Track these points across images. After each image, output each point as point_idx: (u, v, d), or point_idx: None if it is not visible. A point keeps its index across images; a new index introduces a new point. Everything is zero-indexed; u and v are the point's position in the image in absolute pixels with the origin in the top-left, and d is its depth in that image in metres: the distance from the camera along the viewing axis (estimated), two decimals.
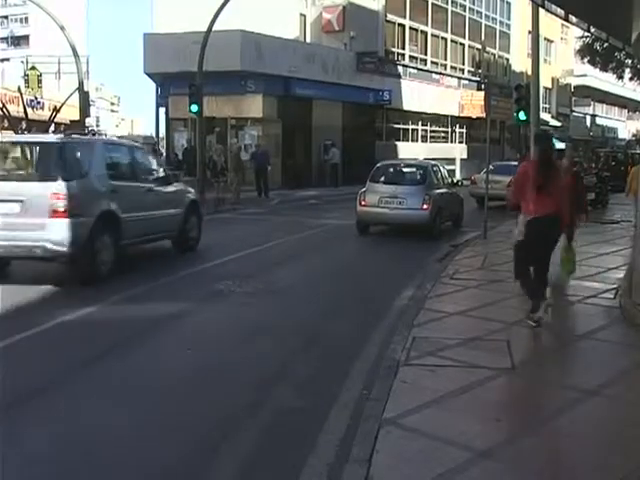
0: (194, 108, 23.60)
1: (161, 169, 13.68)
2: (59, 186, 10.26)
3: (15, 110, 21.90)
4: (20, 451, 5.10)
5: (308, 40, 37.50)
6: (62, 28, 26.30)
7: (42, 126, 20.53)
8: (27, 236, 10.20)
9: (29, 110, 20.44)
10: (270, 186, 27.53)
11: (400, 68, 41.75)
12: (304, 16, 37.90)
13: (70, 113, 31.00)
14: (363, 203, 16.79)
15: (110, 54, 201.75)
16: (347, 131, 36.98)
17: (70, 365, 7.05)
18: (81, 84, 26.95)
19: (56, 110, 18.80)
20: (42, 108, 40.89)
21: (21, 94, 22.68)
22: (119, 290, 10.18)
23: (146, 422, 5.74)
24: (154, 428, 5.63)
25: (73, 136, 12.13)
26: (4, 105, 17.95)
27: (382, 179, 17.41)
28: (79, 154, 11.30)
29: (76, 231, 10.33)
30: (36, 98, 41.97)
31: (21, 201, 10.26)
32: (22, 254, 10.64)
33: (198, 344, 7.94)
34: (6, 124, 23.83)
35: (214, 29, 23.43)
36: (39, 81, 43.76)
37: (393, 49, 41.32)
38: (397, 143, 42.06)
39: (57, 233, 10.24)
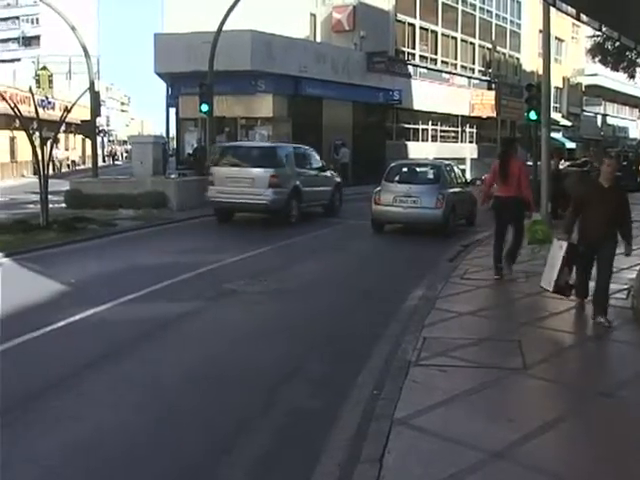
0: (204, 108, 23.65)
1: (321, 162, 21.54)
2: (273, 171, 18.08)
3: (26, 110, 21.94)
4: (31, 450, 5.13)
5: (318, 40, 37.47)
6: (73, 28, 26.39)
7: (53, 126, 20.54)
8: (254, 198, 18.04)
9: (40, 110, 20.44)
10: None
11: (410, 68, 41.68)
12: (314, 16, 37.88)
13: (81, 113, 31.14)
14: (378, 202, 16.97)
15: (120, 54, 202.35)
16: (357, 130, 36.93)
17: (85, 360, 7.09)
18: (92, 84, 27.02)
19: (67, 110, 18.78)
20: (53, 108, 41.16)
21: (32, 94, 22.72)
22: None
23: (159, 421, 5.75)
24: (167, 427, 5.64)
25: (278, 143, 21.36)
26: (15, 105, 17.96)
27: (396, 178, 17.57)
28: (281, 153, 19.23)
29: (281, 196, 18.24)
30: (47, 98, 42.21)
31: (252, 179, 18.15)
32: (250, 208, 18.86)
33: (210, 343, 7.96)
34: (17, 124, 23.91)
35: (224, 29, 23.48)
36: (50, 81, 44.02)
37: (403, 49, 41.24)
38: (407, 143, 41.98)
39: (271, 197, 18.05)
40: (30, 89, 25.32)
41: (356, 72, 35.99)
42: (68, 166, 51.59)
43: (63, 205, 21.64)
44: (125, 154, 68.94)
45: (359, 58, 36.80)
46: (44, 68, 45.22)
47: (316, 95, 33.42)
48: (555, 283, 8.66)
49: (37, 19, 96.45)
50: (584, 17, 10.79)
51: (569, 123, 59.45)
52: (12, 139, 43.39)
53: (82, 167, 52.44)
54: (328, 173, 21.65)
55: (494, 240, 11.38)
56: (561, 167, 23.14)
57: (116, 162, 64.97)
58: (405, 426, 5.31)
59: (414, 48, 42.37)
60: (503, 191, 11.07)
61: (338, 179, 22.16)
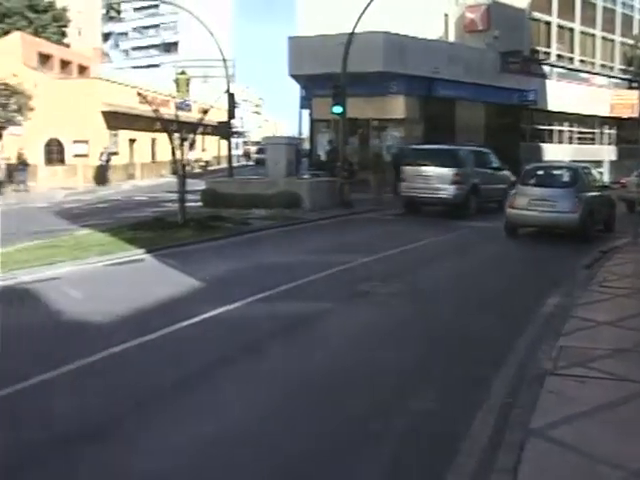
0: (337, 109, 23.76)
1: (496, 162, 23.91)
2: (455, 170, 21.03)
3: (166, 113, 22.85)
4: (164, 441, 5.31)
5: (451, 40, 37.04)
6: (211, 34, 27.26)
7: (190, 128, 21.26)
8: (439, 193, 21.11)
9: (178, 112, 21.26)
10: None
11: (546, 67, 40.52)
12: (447, 16, 37.48)
13: (216, 115, 32.06)
14: (512, 205, 16.65)
15: (254, 57, 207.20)
16: (490, 132, 36.19)
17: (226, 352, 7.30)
18: (228, 87, 27.82)
19: (204, 112, 19.45)
20: (190, 110, 42.61)
21: (172, 97, 23.69)
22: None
23: (284, 420, 5.81)
24: (294, 426, 5.67)
25: (459, 147, 23.44)
26: (157, 108, 18.75)
27: (532, 181, 17.21)
28: (462, 154, 22.21)
29: (461, 192, 21.08)
30: (185, 101, 43.76)
31: (437, 176, 21.09)
32: (435, 202, 21.83)
33: (339, 343, 8.01)
34: (158, 126, 24.95)
35: (357, 31, 23.57)
36: (187, 84, 45.63)
37: (538, 48, 40.17)
38: (541, 144, 40.88)
39: (453, 192, 20.96)
40: (170, 94, 26.35)
41: (489, 73, 35.36)
42: (200, 166, 53.22)
43: (199, 204, 22.37)
44: (259, 155, 70.51)
45: (492, 58, 36.14)
46: (182, 72, 46.87)
47: (449, 96, 33.06)
48: None
49: (176, 26, 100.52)
50: None
51: None
52: (153, 140, 45.29)
53: (214, 167, 53.96)
54: (505, 172, 23.93)
55: None
56: None
57: (249, 163, 66.60)
58: (541, 437, 5.13)
59: (550, 47, 41.20)
60: None
61: (513, 178, 23.36)
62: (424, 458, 5.15)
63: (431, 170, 21.39)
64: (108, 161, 38.40)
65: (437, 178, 21.12)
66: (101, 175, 38.27)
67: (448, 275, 12.43)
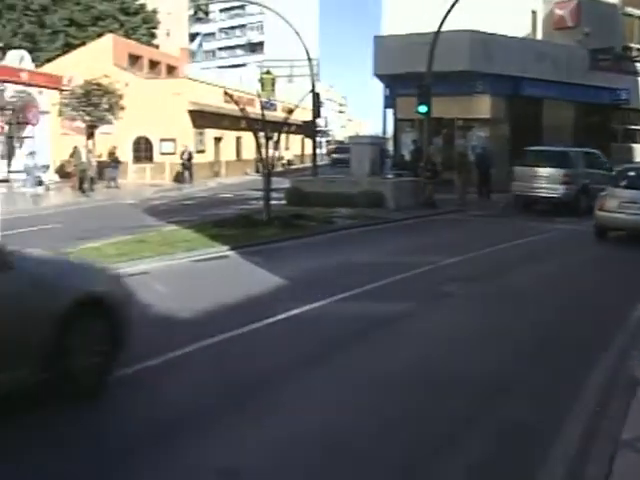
0: (422, 109, 23.54)
1: (607, 163, 23.98)
2: (565, 171, 22.06)
3: (251, 112, 23.14)
4: (254, 438, 5.36)
5: (539, 38, 36.25)
6: (297, 34, 27.47)
7: (275, 126, 21.48)
8: (549, 192, 22.13)
9: (263, 111, 21.51)
10: (494, 188, 26.86)
11: (639, 65, 39.22)
12: (535, 13, 36.72)
13: (301, 114, 32.29)
14: (602, 208, 16.19)
15: (338, 56, 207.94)
16: (579, 132, 35.16)
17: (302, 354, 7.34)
18: (313, 86, 27.97)
19: (289, 111, 19.62)
20: (275, 109, 43.09)
21: (257, 97, 23.97)
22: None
23: (369, 420, 5.77)
24: (374, 429, 5.60)
25: (569, 148, 24.46)
26: (243, 107, 19.01)
27: (623, 183, 16.70)
28: (572, 155, 23.07)
29: (571, 192, 21.94)
30: (270, 100, 44.29)
31: (548, 177, 22.22)
32: (545, 201, 22.85)
33: (423, 345, 7.95)
34: (243, 124, 25.35)
35: (442, 29, 23.32)
36: (273, 84, 46.17)
37: (631, 45, 38.88)
38: (633, 145, 39.54)
39: (563, 192, 21.95)
40: (257, 93, 26.67)
41: (578, 71, 34.37)
42: (282, 165, 53.69)
43: (283, 202, 22.56)
44: (336, 155, 70.70)
45: (582, 56, 35.10)
46: (268, 72, 47.42)
47: (536, 95, 32.31)
48: None
49: (261, 26, 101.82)
50: None
51: None
52: (238, 139, 45.95)
53: (297, 166, 54.29)
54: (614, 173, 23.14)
55: None
56: None
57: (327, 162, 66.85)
58: (631, 449, 4.95)
59: None
60: None
61: None
62: (509, 464, 5.04)
63: (542, 170, 22.42)
64: (189, 159, 38.90)
65: (547, 178, 22.25)
66: (181, 173, 38.88)
67: (535, 277, 12.17)
